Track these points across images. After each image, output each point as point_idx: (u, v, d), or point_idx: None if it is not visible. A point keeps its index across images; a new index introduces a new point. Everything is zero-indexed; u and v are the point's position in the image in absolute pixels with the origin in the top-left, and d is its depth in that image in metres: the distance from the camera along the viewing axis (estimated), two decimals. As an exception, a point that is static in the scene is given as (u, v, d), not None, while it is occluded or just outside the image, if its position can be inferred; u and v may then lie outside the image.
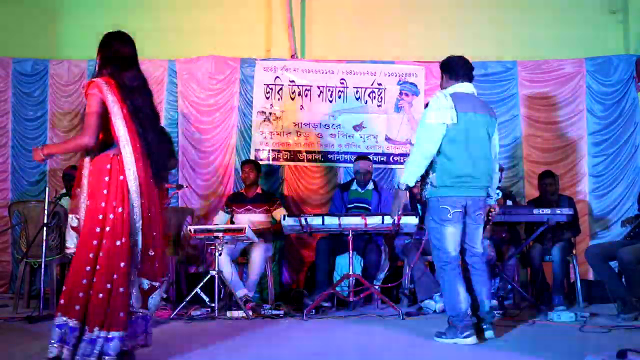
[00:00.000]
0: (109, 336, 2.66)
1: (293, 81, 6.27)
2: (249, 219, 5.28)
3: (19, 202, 5.51)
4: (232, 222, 5.37)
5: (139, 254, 2.78)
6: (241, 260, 5.30)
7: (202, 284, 4.49)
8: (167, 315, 4.34)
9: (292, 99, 6.26)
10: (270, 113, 6.24)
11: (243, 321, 4.28)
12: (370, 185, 5.51)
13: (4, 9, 6.52)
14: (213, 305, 4.40)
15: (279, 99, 6.25)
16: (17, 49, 6.38)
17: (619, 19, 6.41)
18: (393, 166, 6.21)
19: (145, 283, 2.83)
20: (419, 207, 5.46)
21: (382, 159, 6.19)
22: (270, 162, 6.20)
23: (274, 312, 4.52)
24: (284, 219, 4.73)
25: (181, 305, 4.40)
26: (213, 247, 4.58)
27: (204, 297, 4.48)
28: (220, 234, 4.52)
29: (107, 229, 2.71)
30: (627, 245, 4.56)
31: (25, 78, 6.32)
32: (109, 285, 2.68)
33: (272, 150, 6.22)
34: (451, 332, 3.48)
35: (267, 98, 6.25)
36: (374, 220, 4.59)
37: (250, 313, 4.42)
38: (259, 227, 5.27)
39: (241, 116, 6.25)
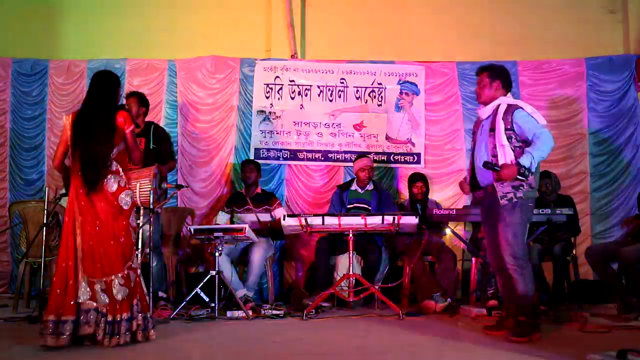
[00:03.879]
0: (62, 319, 3.21)
1: (293, 81, 6.26)
2: (249, 219, 5.28)
3: (19, 202, 5.51)
4: (232, 222, 5.37)
5: (81, 254, 3.32)
6: (241, 260, 5.30)
7: (202, 284, 4.49)
8: (167, 315, 4.34)
9: (292, 98, 6.26)
10: (270, 112, 6.24)
11: (243, 321, 4.28)
12: (370, 186, 5.51)
13: (4, 9, 6.52)
14: (213, 305, 4.40)
15: (278, 99, 6.25)
16: (17, 49, 6.38)
17: (619, 19, 6.42)
18: (393, 165, 6.21)
19: (88, 279, 3.29)
20: (419, 207, 5.47)
21: (382, 158, 6.19)
22: (270, 161, 6.20)
23: (274, 312, 4.53)
24: (284, 219, 4.72)
25: (181, 305, 4.41)
26: (213, 247, 4.58)
27: (204, 297, 4.48)
28: (220, 234, 4.52)
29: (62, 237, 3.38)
30: (627, 245, 4.57)
31: (25, 78, 6.31)
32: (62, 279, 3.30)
33: (272, 149, 6.22)
34: (528, 329, 3.49)
35: (267, 97, 6.25)
36: (374, 220, 4.58)
37: (250, 313, 4.42)
38: (259, 227, 5.27)
39: (241, 115, 6.24)
